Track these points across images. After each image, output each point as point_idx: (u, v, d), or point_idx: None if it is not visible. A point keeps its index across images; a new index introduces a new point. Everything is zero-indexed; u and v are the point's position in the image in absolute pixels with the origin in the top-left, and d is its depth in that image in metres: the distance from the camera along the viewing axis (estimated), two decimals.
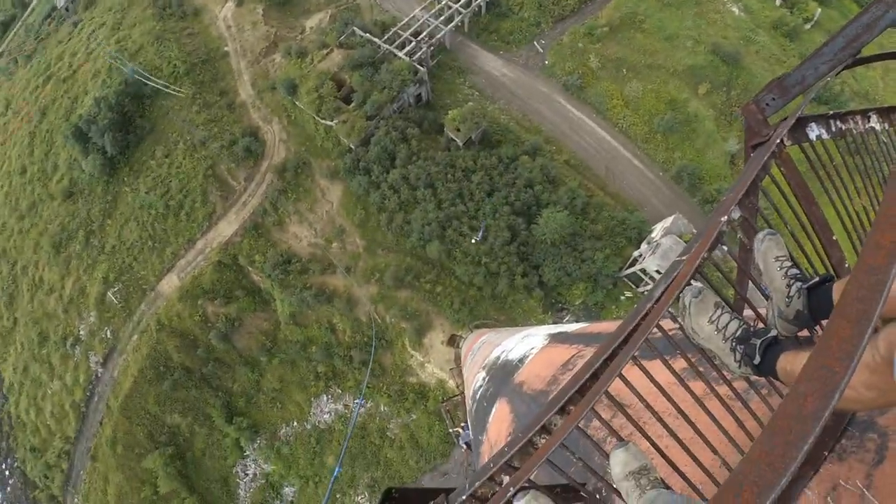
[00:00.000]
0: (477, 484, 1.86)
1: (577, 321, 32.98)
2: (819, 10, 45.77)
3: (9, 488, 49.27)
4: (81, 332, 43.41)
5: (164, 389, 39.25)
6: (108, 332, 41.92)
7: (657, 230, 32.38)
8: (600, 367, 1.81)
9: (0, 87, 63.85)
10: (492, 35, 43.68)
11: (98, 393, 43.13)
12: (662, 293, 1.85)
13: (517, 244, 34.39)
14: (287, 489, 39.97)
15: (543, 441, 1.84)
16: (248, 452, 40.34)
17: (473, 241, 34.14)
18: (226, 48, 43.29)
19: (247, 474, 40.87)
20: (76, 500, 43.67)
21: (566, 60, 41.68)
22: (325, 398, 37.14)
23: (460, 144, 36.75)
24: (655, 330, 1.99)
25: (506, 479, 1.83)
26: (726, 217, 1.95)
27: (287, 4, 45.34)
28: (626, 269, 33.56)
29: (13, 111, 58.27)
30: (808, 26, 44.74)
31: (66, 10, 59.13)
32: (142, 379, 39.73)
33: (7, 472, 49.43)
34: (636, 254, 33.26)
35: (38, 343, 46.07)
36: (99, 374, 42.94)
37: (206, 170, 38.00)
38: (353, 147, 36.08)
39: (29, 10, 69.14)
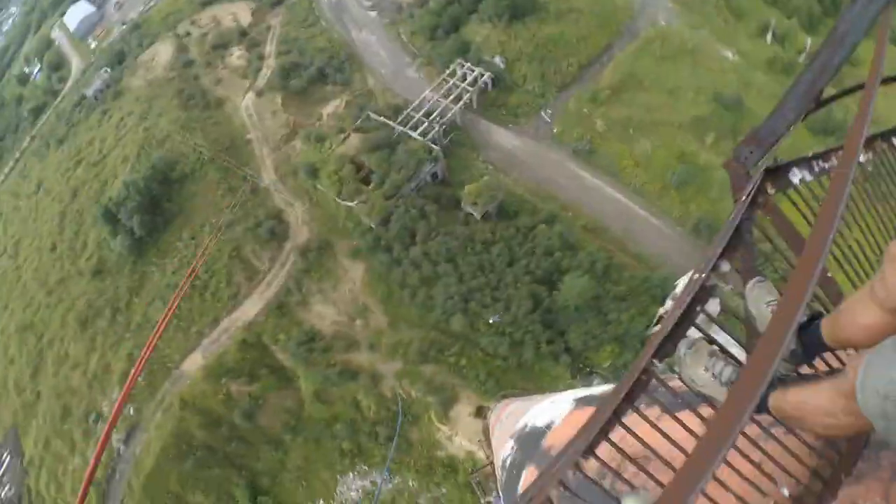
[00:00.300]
0: None
1: (606, 384, 32.87)
2: (808, 39, 46.85)
3: None
4: (104, 409, 43.41)
5: (187, 468, 38.81)
6: (132, 410, 41.92)
7: (680, 285, 32.42)
8: (607, 422, 1.86)
9: (33, 169, 66.97)
10: (500, 110, 45.68)
11: (120, 471, 42.57)
12: (650, 347, 1.96)
13: (540, 312, 34.80)
14: None
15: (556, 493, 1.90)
16: None
17: (491, 321, 34.66)
18: (248, 136, 45.80)
19: None
20: None
21: (573, 127, 43.24)
22: (351, 476, 36.68)
23: (478, 218, 38.05)
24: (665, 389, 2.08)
25: None
26: (698, 275, 2.01)
27: (304, 94, 48.16)
28: (653, 327, 33.46)
29: (45, 190, 60.85)
30: (801, 58, 45.28)
31: (96, 98, 62.75)
32: (164, 457, 39.40)
33: None
34: (661, 311, 32.82)
35: (61, 417, 46.10)
36: (121, 452, 42.56)
37: (230, 251, 39.36)
38: (373, 226, 37.47)
39: (60, 97, 73.29)
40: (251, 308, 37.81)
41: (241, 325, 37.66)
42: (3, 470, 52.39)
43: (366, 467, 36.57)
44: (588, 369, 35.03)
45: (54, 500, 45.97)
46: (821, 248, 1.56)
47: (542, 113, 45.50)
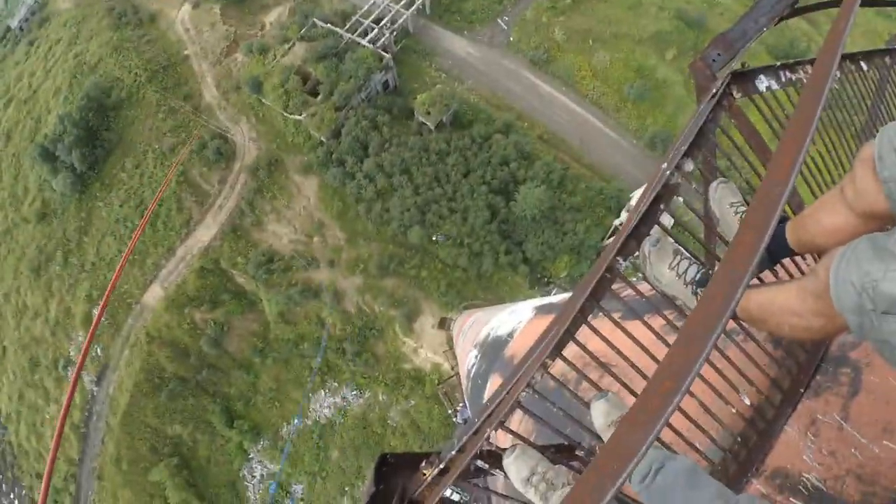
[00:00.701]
0: (465, 438, 1.85)
1: (563, 293, 33.40)
2: None
3: None
4: (72, 353, 43.03)
5: (162, 401, 39.13)
6: (99, 350, 41.58)
7: (635, 197, 32.61)
8: (573, 322, 1.80)
9: None
10: (454, 16, 43.27)
11: (96, 412, 42.92)
12: (614, 243, 1.90)
13: (497, 222, 34.51)
14: (296, 487, 40.14)
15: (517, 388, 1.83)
16: (252, 455, 40.45)
17: (434, 238, 34.32)
18: (186, 52, 42.55)
19: (254, 476, 40.95)
20: None
21: (531, 35, 41.53)
22: (322, 393, 37.33)
23: (432, 128, 36.64)
24: (631, 291, 2.07)
25: (492, 433, 1.81)
26: (665, 165, 1.95)
27: (244, 2, 44.54)
28: (608, 238, 33.83)
29: None
30: None
31: (21, 29, 57.66)
32: (138, 393, 39.56)
33: (17, 502, 49.25)
34: (616, 222, 33.52)
35: (30, 369, 45.66)
36: (95, 393, 42.71)
37: (178, 176, 37.52)
38: (324, 140, 35.83)
39: None
40: (205, 234, 36.63)
41: (197, 253, 36.59)
42: None
43: (335, 384, 37.18)
44: (546, 279, 35.35)
45: (36, 450, 46.29)
46: (798, 150, 1.48)
47: (499, 20, 43.34)
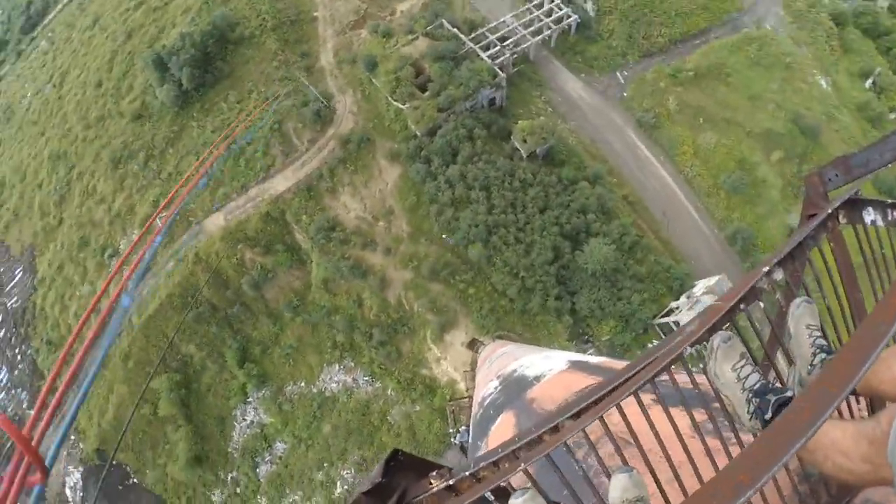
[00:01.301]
0: (482, 464, 1.93)
1: (600, 355, 33.22)
2: None
3: (16, 371, 51.05)
4: (121, 246, 44.66)
5: (187, 319, 40.24)
6: (147, 254, 43.07)
7: (699, 286, 32.23)
8: (620, 385, 1.87)
9: (92, 3, 66.07)
10: (576, 56, 43.85)
11: (124, 307, 44.49)
12: (695, 328, 1.92)
13: (558, 266, 34.67)
14: (279, 444, 40.77)
15: (549, 438, 1.91)
16: (250, 399, 41.29)
17: (444, 237, 35.12)
18: (315, 14, 44.21)
19: (245, 419, 41.76)
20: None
21: (645, 97, 41.74)
22: (336, 367, 37.97)
23: (524, 155, 37.10)
24: (685, 379, 2.08)
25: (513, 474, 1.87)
26: (767, 269, 1.98)
27: None
28: (661, 317, 33.49)
29: (100, 27, 60.32)
30: (892, 115, 43.82)
31: None
32: (168, 304, 40.75)
33: (19, 357, 51.26)
34: (673, 304, 33.18)
35: (78, 246, 47.68)
36: (129, 289, 44.24)
37: (273, 123, 38.93)
38: (418, 134, 36.69)
39: None
40: (281, 184, 37.88)
41: (267, 198, 37.85)
42: (14, 283, 55.14)
43: (352, 364, 37.81)
44: (586, 336, 35.21)
45: (57, 319, 48.35)
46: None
47: (619, 73, 43.67)
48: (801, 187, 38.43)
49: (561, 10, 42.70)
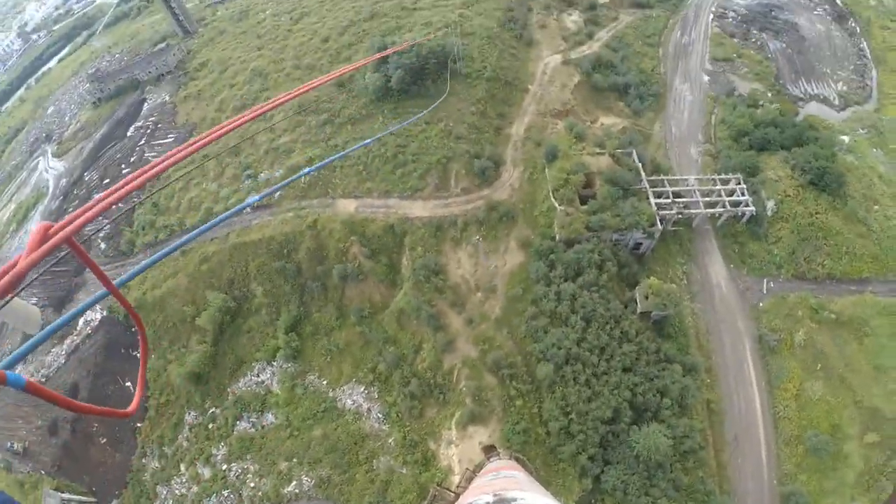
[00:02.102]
0: None
1: None
2: None
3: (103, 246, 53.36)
4: (261, 176, 48.08)
5: (273, 265, 42.38)
6: (276, 195, 45.92)
7: None
8: None
9: None
10: (735, 245, 42.49)
11: (229, 221, 47.52)
12: None
13: (609, 429, 33.00)
14: (269, 416, 41.30)
15: None
16: (274, 363, 42.45)
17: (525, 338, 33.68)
18: (529, 87, 46.73)
19: (258, 376, 42.84)
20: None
21: (778, 317, 39.42)
22: (361, 389, 38.29)
23: (638, 310, 36.16)
24: None
25: None
26: None
27: (597, 90, 47.86)
28: None
29: None
30: None
31: None
32: (265, 242, 43.15)
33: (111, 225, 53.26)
34: None
35: (230, 152, 50.77)
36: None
37: (441, 157, 41.10)
38: (557, 238, 37.05)
39: None
40: (418, 209, 39.65)
41: (400, 213, 39.70)
42: (160, 141, 61.16)
43: (376, 395, 37.79)
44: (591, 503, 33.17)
45: (178, 198, 52.01)
46: None
47: (765, 281, 41.67)
48: (878, 482, 34.43)
49: (742, 195, 42.02)
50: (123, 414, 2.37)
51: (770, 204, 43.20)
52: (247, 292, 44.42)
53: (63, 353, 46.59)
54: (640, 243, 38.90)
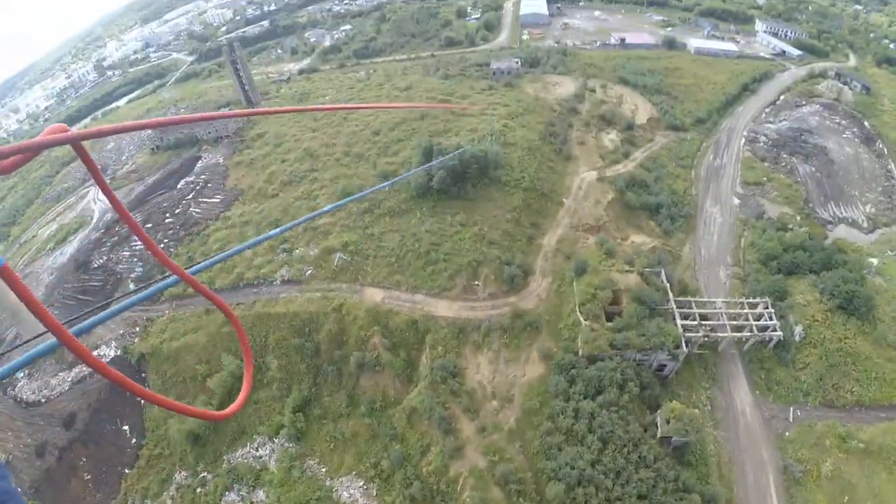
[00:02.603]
0: None
1: None
2: None
3: (132, 286, 55.38)
4: (296, 252, 49.24)
5: (291, 340, 42.64)
6: (308, 272, 46.80)
7: None
8: None
9: (413, 73, 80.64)
10: (762, 371, 41.18)
11: (258, 289, 48.10)
12: None
13: None
14: (260, 492, 39.69)
15: None
16: (276, 441, 41.34)
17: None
18: (564, 200, 48.60)
19: (257, 451, 41.60)
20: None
21: (805, 447, 37.39)
22: (360, 483, 36.86)
23: (658, 434, 34.71)
24: None
25: None
26: None
27: (629, 208, 49.34)
28: None
29: (408, 95, 72.93)
30: None
31: (506, 73, 73.07)
32: (287, 319, 43.50)
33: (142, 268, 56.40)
34: None
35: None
36: (275, 282, 47.79)
37: (476, 256, 42.15)
38: (580, 353, 36.65)
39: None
40: (443, 308, 40.09)
41: (425, 311, 40.08)
42: (208, 200, 64.07)
43: (374, 493, 36.12)
44: None
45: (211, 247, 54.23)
46: None
47: (792, 408, 39.93)
48: None
49: (770, 320, 41.38)
50: (221, 416, 2.22)
51: (798, 329, 42.43)
52: (262, 364, 44.38)
53: (69, 379, 46.78)
54: (665, 365, 38.12)
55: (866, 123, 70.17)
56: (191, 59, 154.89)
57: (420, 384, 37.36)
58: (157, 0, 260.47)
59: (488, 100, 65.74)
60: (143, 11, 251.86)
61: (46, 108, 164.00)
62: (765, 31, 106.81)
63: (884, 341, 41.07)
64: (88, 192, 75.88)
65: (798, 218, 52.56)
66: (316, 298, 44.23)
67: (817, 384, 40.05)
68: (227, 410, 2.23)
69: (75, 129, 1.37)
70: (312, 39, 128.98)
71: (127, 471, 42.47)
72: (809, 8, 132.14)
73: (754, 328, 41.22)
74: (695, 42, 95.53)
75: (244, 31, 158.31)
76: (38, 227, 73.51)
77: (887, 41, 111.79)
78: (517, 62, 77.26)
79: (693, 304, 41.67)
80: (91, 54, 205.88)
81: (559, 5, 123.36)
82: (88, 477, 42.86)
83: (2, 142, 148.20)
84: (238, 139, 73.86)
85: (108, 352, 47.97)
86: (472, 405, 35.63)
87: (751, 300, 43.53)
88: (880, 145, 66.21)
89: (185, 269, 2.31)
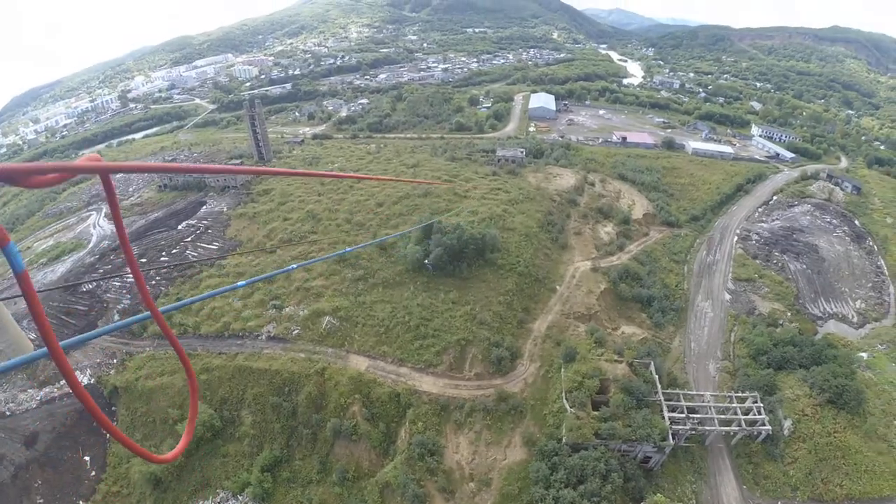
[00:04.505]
0: None
1: None
2: None
3: (116, 317, 55.72)
4: (288, 310, 48.82)
5: (269, 398, 41.60)
6: (295, 331, 46.24)
7: None
8: None
9: (422, 152, 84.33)
10: (749, 465, 39.94)
11: (241, 342, 47.15)
12: None
13: None
14: None
15: None
16: (240, 497, 38.91)
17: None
18: (557, 287, 49.45)
19: None
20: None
21: None
22: None
23: None
24: None
25: None
26: None
27: (621, 298, 50.09)
28: None
29: (415, 172, 76.02)
30: None
31: (511, 161, 76.83)
32: (268, 374, 42.62)
33: (129, 301, 55.95)
34: None
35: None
36: (261, 336, 47.15)
37: (466, 335, 42.28)
38: (563, 441, 35.77)
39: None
40: (428, 384, 39.68)
41: (409, 384, 39.61)
42: (196, 253, 64.44)
43: None
44: None
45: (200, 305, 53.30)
46: None
47: (780, 503, 38.18)
48: None
49: (759, 414, 40.82)
50: (159, 459, 2.13)
51: (787, 423, 41.78)
52: (236, 417, 42.86)
53: (38, 398, 44.89)
54: (650, 457, 37.09)
55: (857, 222, 73.11)
56: (212, 106, 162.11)
57: (397, 458, 36.02)
58: (190, 45, 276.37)
59: (491, 185, 68.59)
60: (175, 54, 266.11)
61: (65, 125, 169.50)
62: (760, 135, 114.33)
63: (874, 434, 40.60)
64: (90, 215, 76.94)
65: (788, 314, 53.35)
66: (300, 359, 43.67)
67: (806, 479, 38.97)
68: (168, 455, 2.15)
69: (105, 161, 1.57)
70: (330, 108, 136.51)
71: (81, 502, 39.86)
72: (804, 113, 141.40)
73: (743, 422, 40.65)
74: (693, 143, 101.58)
75: (267, 90, 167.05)
76: (34, 239, 74.01)
77: (878, 143, 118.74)
78: (522, 151, 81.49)
79: (681, 397, 41.31)
80: (118, 84, 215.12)
81: (566, 102, 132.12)
82: (41, 501, 40.20)
83: (16, 148, 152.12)
84: (245, 192, 75.92)
85: (82, 378, 46.63)
86: (449, 485, 34.19)
87: (740, 394, 43.30)
88: (870, 242, 68.63)
89: (159, 308, 2.38)
